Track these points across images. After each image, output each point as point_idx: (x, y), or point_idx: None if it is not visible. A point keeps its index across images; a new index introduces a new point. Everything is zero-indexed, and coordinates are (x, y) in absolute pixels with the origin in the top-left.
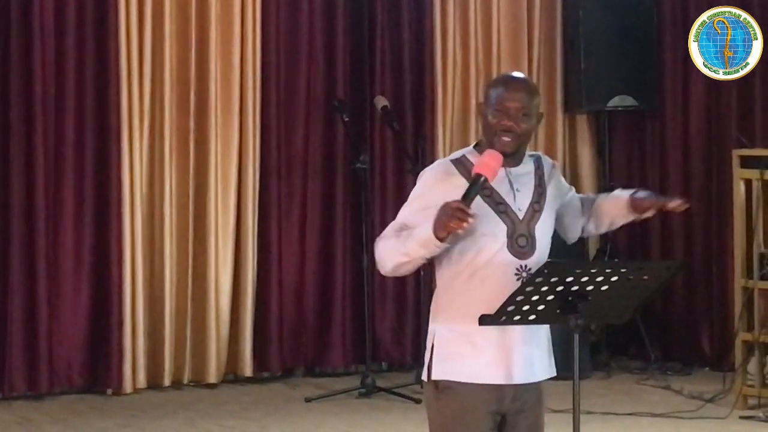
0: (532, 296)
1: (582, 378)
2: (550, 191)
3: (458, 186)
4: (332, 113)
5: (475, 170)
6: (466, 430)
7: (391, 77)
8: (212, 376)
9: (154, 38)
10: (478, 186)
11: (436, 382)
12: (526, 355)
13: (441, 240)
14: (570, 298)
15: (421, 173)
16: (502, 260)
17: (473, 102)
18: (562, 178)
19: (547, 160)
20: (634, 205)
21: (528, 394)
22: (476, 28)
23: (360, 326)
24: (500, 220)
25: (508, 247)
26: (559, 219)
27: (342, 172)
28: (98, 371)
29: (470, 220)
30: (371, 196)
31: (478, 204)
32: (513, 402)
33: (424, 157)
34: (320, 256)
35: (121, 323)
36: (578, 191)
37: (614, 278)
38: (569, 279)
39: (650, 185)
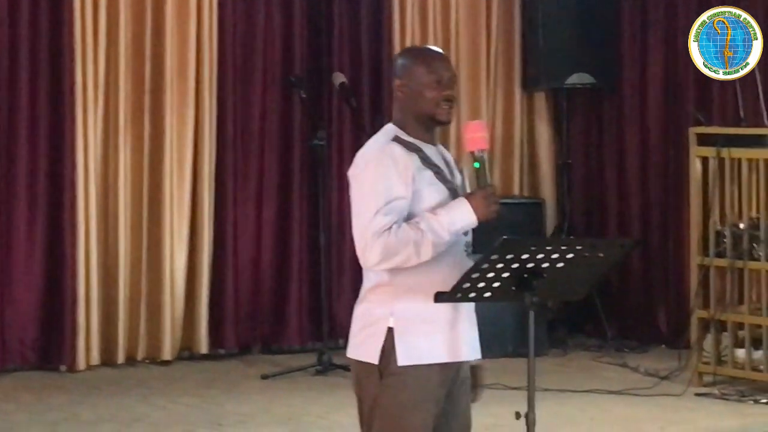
0: (488, 273)
1: (538, 355)
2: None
3: (421, 167)
4: (289, 89)
5: (470, 149)
6: (425, 412)
7: (349, 53)
8: (167, 353)
9: (109, 12)
10: (485, 162)
11: (399, 368)
12: (471, 332)
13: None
14: (525, 276)
15: (370, 160)
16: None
17: None
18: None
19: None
20: None
21: (464, 370)
22: (434, 3)
23: (317, 303)
24: (449, 195)
25: None
26: None
27: (299, 148)
28: (52, 348)
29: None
30: (328, 173)
31: (431, 181)
32: (456, 379)
33: None
34: (277, 233)
35: (74, 299)
36: (536, 168)
37: (570, 255)
38: (525, 256)
39: (607, 163)
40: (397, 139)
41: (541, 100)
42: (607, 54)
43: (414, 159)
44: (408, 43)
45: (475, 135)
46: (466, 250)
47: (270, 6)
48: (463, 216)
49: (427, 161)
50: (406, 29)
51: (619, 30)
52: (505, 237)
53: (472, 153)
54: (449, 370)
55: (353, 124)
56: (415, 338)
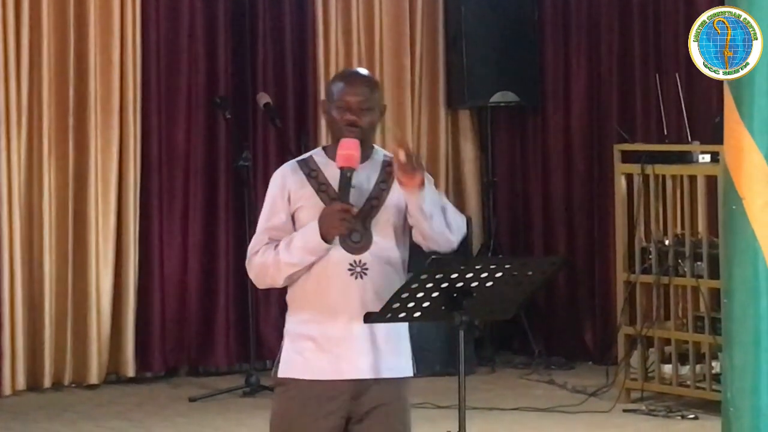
0: (417, 293)
1: (466, 374)
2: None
3: (302, 185)
4: (214, 110)
5: (338, 165)
6: (303, 428)
7: (274, 74)
8: (94, 376)
9: (32, 34)
10: (347, 179)
11: (280, 379)
12: (369, 351)
13: (329, 242)
14: (455, 295)
15: (272, 177)
16: (335, 256)
17: None
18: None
19: None
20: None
21: (378, 393)
22: (358, 24)
23: (244, 324)
24: None
25: (340, 242)
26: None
27: (224, 169)
28: None
29: (354, 213)
30: (254, 193)
31: (312, 200)
32: (356, 399)
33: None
34: (203, 255)
35: None
36: (462, 186)
37: (498, 274)
38: (454, 275)
39: (532, 180)
40: (302, 161)
41: (465, 119)
42: (530, 72)
43: (298, 178)
44: (332, 63)
45: (345, 152)
46: (351, 270)
47: (194, 27)
48: (313, 234)
49: (314, 179)
50: (330, 48)
51: (542, 48)
52: (434, 256)
53: (340, 169)
54: (339, 387)
55: (278, 145)
56: (296, 352)
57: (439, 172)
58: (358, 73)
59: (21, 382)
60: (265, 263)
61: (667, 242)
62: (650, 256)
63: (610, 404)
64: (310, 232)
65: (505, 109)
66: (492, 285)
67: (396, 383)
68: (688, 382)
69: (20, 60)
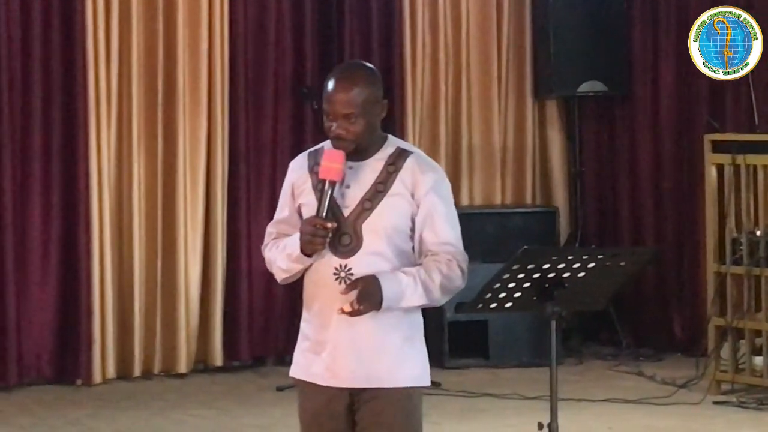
0: (509, 283)
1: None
2: (401, 190)
3: (305, 180)
4: (301, 100)
5: (321, 177)
6: (313, 427)
7: None
8: (182, 365)
9: (121, 24)
10: (327, 193)
11: (292, 378)
12: (355, 360)
13: (309, 257)
14: (546, 286)
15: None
16: (323, 259)
17: (442, 89)
18: (433, 200)
19: (416, 165)
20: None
21: (374, 405)
22: (445, 14)
23: None
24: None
25: (329, 245)
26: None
27: None
28: (67, 361)
29: (329, 228)
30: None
31: (309, 197)
32: (354, 409)
33: None
34: None
35: (89, 313)
36: (549, 177)
37: (591, 265)
38: (546, 266)
39: (620, 170)
40: (314, 151)
41: (552, 109)
42: (618, 61)
43: (303, 172)
44: (419, 55)
45: (326, 164)
46: (336, 274)
47: (281, 18)
48: (296, 247)
49: (316, 174)
50: (417, 40)
51: (630, 37)
52: (525, 247)
53: (322, 181)
54: (336, 395)
55: None
56: (300, 351)
57: (525, 162)
58: (345, 76)
59: (111, 371)
60: (269, 261)
61: (758, 233)
62: (741, 247)
63: (700, 396)
64: (294, 244)
65: (592, 98)
66: (584, 276)
67: (394, 394)
68: None
69: (110, 51)
